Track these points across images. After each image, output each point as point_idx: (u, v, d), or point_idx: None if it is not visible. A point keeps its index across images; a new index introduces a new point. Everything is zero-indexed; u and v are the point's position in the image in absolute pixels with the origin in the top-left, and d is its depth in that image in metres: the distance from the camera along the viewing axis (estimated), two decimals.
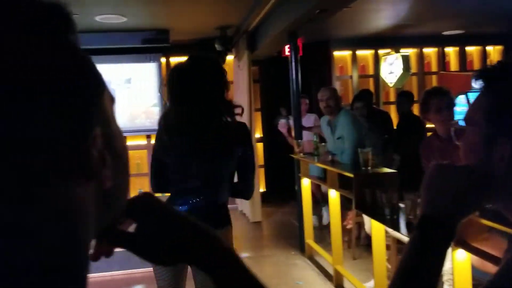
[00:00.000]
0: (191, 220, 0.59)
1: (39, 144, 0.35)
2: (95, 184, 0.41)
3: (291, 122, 4.67)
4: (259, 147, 6.67)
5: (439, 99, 2.88)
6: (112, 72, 6.45)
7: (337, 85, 6.57)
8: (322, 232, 4.86)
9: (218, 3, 4.66)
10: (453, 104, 2.97)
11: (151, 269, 2.25)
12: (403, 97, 4.96)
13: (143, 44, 5.96)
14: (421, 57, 6.95)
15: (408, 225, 2.60)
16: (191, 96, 2.04)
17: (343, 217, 4.13)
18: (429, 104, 2.90)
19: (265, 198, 6.37)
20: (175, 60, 6.83)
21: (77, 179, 0.39)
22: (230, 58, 6.49)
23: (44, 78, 0.36)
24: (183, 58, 6.53)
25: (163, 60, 6.65)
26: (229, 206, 2.24)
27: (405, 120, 4.81)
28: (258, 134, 6.67)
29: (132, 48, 6.17)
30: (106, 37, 5.82)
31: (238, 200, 6.54)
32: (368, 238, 3.80)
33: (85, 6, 4.59)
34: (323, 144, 3.95)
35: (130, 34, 5.84)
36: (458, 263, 2.16)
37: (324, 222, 5.05)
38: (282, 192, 6.51)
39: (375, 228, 2.99)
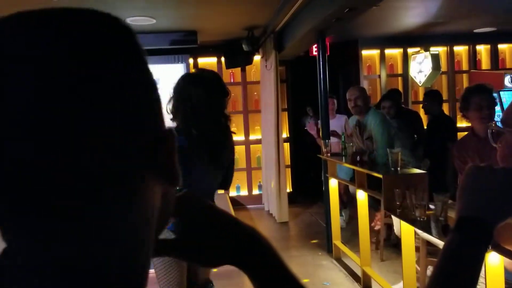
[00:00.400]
0: (234, 219, 0.58)
1: (138, 149, 0.39)
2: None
3: (319, 122, 4.65)
4: (286, 147, 6.67)
5: (480, 97, 2.81)
6: None
7: (365, 84, 6.51)
8: (350, 233, 4.83)
9: (245, 4, 4.69)
10: (494, 103, 2.89)
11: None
12: (429, 97, 4.85)
13: (171, 46, 6.04)
14: (451, 55, 6.81)
15: (438, 227, 2.56)
16: (211, 116, 2.11)
17: (371, 218, 4.09)
18: (469, 101, 2.83)
19: (292, 198, 6.36)
20: (203, 60, 6.90)
21: (165, 182, 0.44)
22: (257, 58, 6.52)
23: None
24: (210, 59, 6.61)
25: (190, 61, 6.73)
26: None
27: (435, 121, 4.72)
28: (285, 134, 6.67)
29: (161, 50, 6.27)
30: None
31: (264, 200, 6.56)
32: (398, 238, 3.76)
33: (116, 8, 4.69)
34: (351, 144, 3.92)
35: (159, 35, 5.93)
36: (491, 266, 2.12)
37: (341, 223, 4.96)
38: (309, 193, 6.50)
39: (404, 230, 2.96)
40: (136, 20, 5.20)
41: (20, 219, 0.37)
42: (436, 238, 2.58)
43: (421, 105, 6.67)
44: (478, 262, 0.73)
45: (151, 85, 0.42)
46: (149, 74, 0.43)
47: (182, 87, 2.22)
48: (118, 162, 0.38)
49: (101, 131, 0.37)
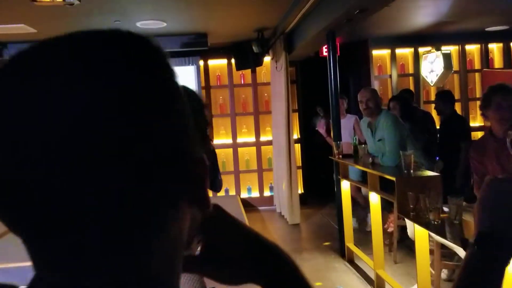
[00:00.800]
0: (258, 235, 0.57)
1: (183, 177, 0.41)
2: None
3: (330, 122, 4.63)
4: (297, 148, 6.66)
5: (501, 96, 2.75)
6: None
7: (375, 84, 6.47)
8: (362, 234, 4.80)
9: (255, 6, 4.68)
10: None
11: None
12: (441, 97, 4.80)
13: (182, 48, 6.06)
14: (463, 54, 6.74)
15: (453, 231, 2.54)
16: (198, 127, 2.25)
17: (384, 219, 4.07)
18: (490, 100, 2.78)
19: (303, 199, 6.35)
20: (213, 62, 6.91)
21: (195, 208, 0.44)
22: (267, 59, 6.52)
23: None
24: (220, 61, 6.61)
25: (201, 63, 6.75)
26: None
27: (447, 121, 4.68)
28: (295, 135, 6.65)
29: (171, 52, 6.29)
30: None
31: (276, 202, 6.55)
32: (411, 240, 3.73)
33: (127, 13, 4.72)
34: (362, 145, 3.90)
35: (169, 38, 5.95)
36: (510, 278, 2.09)
37: (368, 228, 4.91)
38: (320, 194, 6.48)
39: (418, 233, 2.93)
40: (146, 24, 5.22)
41: (53, 252, 0.37)
42: (451, 242, 2.56)
43: (433, 105, 6.62)
44: (499, 277, 0.73)
45: (185, 111, 0.42)
46: (184, 100, 0.42)
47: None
48: (155, 190, 0.38)
49: (140, 159, 0.37)
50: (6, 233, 5.06)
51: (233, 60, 6.63)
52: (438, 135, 4.81)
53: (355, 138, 4.19)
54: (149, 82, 0.38)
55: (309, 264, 4.27)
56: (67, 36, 0.39)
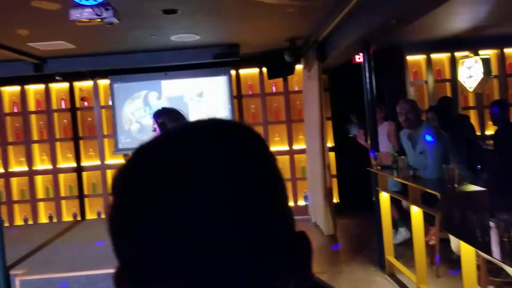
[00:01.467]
0: None
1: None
2: None
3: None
4: (331, 156, 6.59)
5: None
6: (185, 87, 6.67)
7: (411, 90, 6.36)
8: (402, 246, 4.69)
9: (288, 17, 4.67)
10: None
11: None
12: (499, 107, 4.63)
13: (214, 59, 6.12)
14: (502, 58, 6.53)
15: (502, 248, 2.45)
16: None
17: (425, 232, 3.97)
18: None
19: (339, 209, 6.28)
20: (244, 72, 6.93)
21: (301, 279, 0.48)
22: (298, 67, 6.49)
23: None
24: (252, 70, 6.65)
25: (232, 72, 6.78)
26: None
27: (505, 132, 4.51)
28: (329, 143, 6.58)
29: (203, 64, 6.35)
30: (180, 54, 6.06)
31: (311, 211, 6.50)
32: (455, 254, 3.63)
33: (162, 28, 4.80)
34: (402, 157, 3.82)
35: (202, 50, 6.02)
36: None
37: (397, 240, 4.80)
38: (356, 203, 6.38)
39: (465, 249, 2.85)
40: (180, 37, 5.30)
41: None
42: (499, 260, 2.47)
43: (472, 111, 6.47)
44: None
45: (285, 188, 0.50)
46: (283, 179, 0.50)
47: (178, 119, 2.94)
48: (269, 267, 0.43)
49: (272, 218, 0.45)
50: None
51: (264, 69, 6.64)
52: (493, 145, 4.66)
53: (394, 148, 4.11)
54: (272, 157, 0.49)
55: (349, 277, 4.21)
56: (212, 122, 0.50)
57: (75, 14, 3.19)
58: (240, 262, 0.41)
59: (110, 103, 6.70)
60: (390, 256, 4.22)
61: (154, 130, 3.08)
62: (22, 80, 6.61)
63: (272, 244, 0.43)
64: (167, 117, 2.98)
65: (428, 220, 4.09)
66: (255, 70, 6.92)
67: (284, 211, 0.47)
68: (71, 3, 3.17)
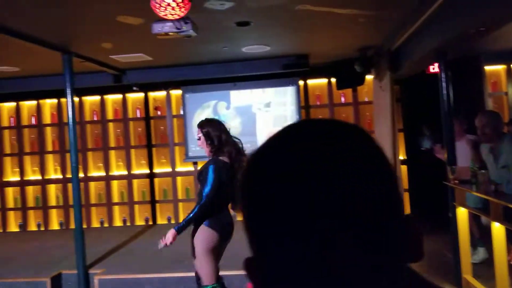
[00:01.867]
0: None
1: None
2: None
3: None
4: (403, 169, 6.39)
5: None
6: (253, 97, 6.78)
7: (489, 102, 6.05)
8: (481, 265, 4.44)
9: (359, 27, 4.63)
10: None
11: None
12: None
13: (284, 70, 6.17)
14: None
15: None
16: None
17: (507, 251, 3.74)
18: None
19: None
20: (312, 82, 6.93)
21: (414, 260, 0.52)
22: (368, 77, 6.38)
23: None
24: (320, 80, 6.59)
25: (301, 82, 6.80)
26: None
27: None
28: (401, 156, 6.40)
29: (272, 74, 6.43)
30: (249, 65, 6.17)
31: None
32: None
33: (234, 40, 4.92)
34: (482, 171, 3.63)
35: (271, 60, 6.10)
36: None
37: (475, 259, 4.50)
38: (429, 219, 6.12)
39: None
40: (251, 48, 5.40)
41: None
42: None
43: None
44: None
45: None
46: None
47: (221, 129, 3.25)
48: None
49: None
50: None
51: (333, 79, 6.59)
52: None
53: (473, 162, 3.92)
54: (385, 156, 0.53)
55: None
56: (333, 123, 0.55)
57: (157, 28, 3.36)
58: (367, 251, 0.46)
59: (182, 112, 6.95)
60: (468, 275, 4.01)
61: (199, 139, 3.29)
62: (102, 91, 7.03)
63: (393, 231, 0.48)
64: (211, 126, 3.23)
65: (511, 238, 3.85)
66: (324, 80, 6.90)
67: (402, 200, 0.52)
68: (153, 17, 3.34)
